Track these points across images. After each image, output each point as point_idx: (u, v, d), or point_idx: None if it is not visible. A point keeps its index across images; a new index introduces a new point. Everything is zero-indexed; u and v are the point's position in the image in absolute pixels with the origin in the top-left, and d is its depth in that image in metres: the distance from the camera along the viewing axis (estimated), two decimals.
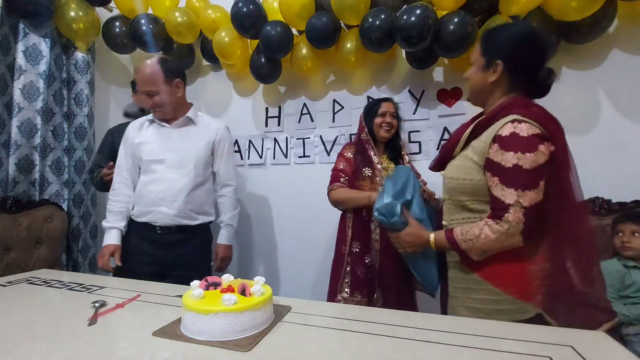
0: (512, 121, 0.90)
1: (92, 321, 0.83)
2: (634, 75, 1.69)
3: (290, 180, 2.34)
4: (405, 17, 1.69)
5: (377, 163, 1.57)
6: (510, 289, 0.93)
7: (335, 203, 1.60)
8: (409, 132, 2.08)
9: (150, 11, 2.28)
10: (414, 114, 2.08)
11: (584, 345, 0.68)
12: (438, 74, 2.05)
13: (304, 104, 2.32)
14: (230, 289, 0.78)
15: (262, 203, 2.43)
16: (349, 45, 1.96)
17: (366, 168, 1.56)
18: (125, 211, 1.51)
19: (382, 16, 1.77)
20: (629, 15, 1.68)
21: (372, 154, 1.59)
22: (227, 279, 0.88)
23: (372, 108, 1.65)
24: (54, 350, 0.70)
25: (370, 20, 1.79)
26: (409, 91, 2.10)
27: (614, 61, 1.73)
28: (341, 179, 1.58)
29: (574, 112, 1.80)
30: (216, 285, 0.83)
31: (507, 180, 0.89)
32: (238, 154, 2.49)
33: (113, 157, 1.79)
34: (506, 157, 0.89)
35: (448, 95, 2.01)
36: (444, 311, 1.09)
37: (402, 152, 1.69)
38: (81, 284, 1.15)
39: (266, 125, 2.43)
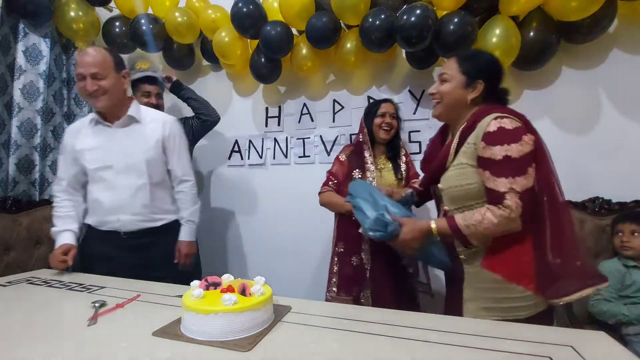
0: (495, 118, 0.99)
1: (92, 321, 0.83)
2: (634, 75, 1.69)
3: (290, 180, 2.35)
4: (405, 17, 1.69)
5: (371, 164, 1.60)
6: (530, 284, 0.98)
7: (322, 205, 1.65)
8: (409, 132, 2.08)
9: (150, 11, 2.28)
10: (414, 114, 2.08)
11: (584, 345, 0.68)
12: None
13: (304, 104, 2.32)
14: (230, 289, 0.78)
15: (262, 203, 2.43)
16: (349, 45, 1.96)
17: (357, 170, 1.59)
18: (75, 215, 1.42)
19: (382, 16, 1.76)
20: (629, 15, 1.68)
21: (367, 154, 1.61)
22: (227, 279, 0.88)
23: (372, 109, 1.66)
24: (54, 350, 0.70)
25: (370, 20, 1.79)
26: (409, 91, 2.10)
27: (614, 61, 1.73)
28: (330, 182, 1.63)
29: (574, 112, 1.80)
30: (216, 285, 0.83)
31: (497, 171, 0.96)
32: (238, 153, 2.49)
33: None
34: (495, 151, 0.96)
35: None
36: (450, 313, 1.09)
37: (402, 153, 1.70)
38: (81, 284, 1.15)
39: (266, 125, 2.43)
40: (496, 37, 1.64)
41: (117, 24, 2.26)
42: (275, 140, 2.40)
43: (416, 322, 0.82)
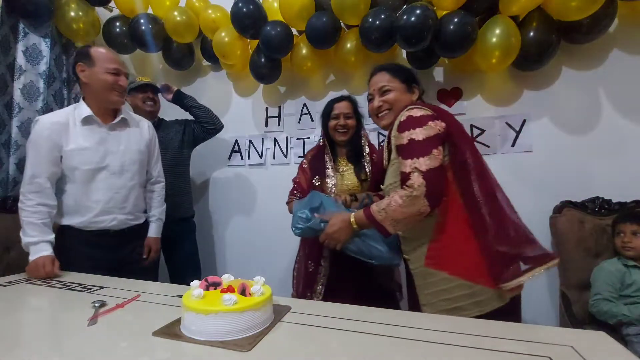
0: (407, 109, 1.09)
1: (92, 321, 0.83)
2: (634, 75, 1.69)
3: (290, 180, 2.34)
4: (405, 17, 1.69)
5: (331, 169, 1.56)
6: (479, 278, 0.97)
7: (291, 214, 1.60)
8: None
9: (150, 11, 2.28)
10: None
11: (584, 345, 0.68)
12: (438, 74, 2.05)
13: (304, 104, 2.32)
14: (230, 289, 0.78)
15: (263, 203, 2.43)
16: (349, 45, 1.96)
17: (316, 177, 1.56)
18: (49, 222, 1.36)
19: (382, 16, 1.76)
20: (629, 15, 1.68)
21: (327, 159, 1.58)
22: (227, 279, 0.88)
23: (326, 110, 1.59)
24: (54, 350, 0.70)
25: (370, 20, 1.79)
26: None
27: (614, 61, 1.73)
28: (295, 191, 1.61)
29: (574, 112, 1.80)
30: (216, 285, 0.83)
31: (405, 154, 1.02)
32: (238, 153, 2.49)
33: None
34: (402, 136, 1.04)
35: (448, 95, 2.01)
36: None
37: (366, 151, 1.61)
38: (81, 284, 1.15)
39: (266, 125, 2.43)
40: (496, 37, 1.64)
41: (117, 23, 2.26)
42: (275, 140, 2.40)
43: (416, 322, 0.82)
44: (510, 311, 0.98)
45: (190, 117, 2.18)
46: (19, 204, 1.36)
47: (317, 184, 1.55)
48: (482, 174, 1.03)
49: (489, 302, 0.97)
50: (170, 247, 2.04)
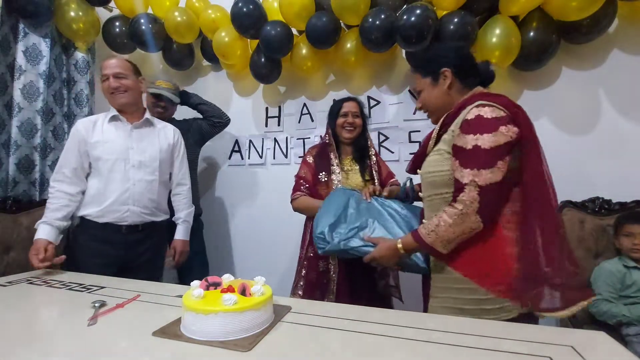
0: (477, 105, 0.94)
1: (92, 321, 0.83)
2: (634, 75, 1.69)
3: (290, 180, 2.32)
4: (405, 17, 1.69)
5: (337, 166, 1.55)
6: (494, 287, 0.91)
7: (296, 211, 1.59)
8: (409, 132, 2.08)
9: (150, 11, 2.28)
10: (414, 114, 2.08)
11: (584, 345, 0.68)
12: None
13: (304, 104, 2.32)
14: (230, 289, 0.78)
15: (263, 203, 2.43)
16: (349, 45, 1.96)
17: (322, 173, 1.55)
18: (65, 208, 1.41)
19: (382, 16, 1.76)
20: (629, 15, 1.68)
21: (332, 156, 1.57)
22: (227, 278, 0.88)
23: (334, 109, 1.61)
24: (54, 350, 0.70)
25: (370, 20, 1.79)
26: (409, 91, 2.10)
27: (614, 61, 1.73)
28: (302, 187, 1.57)
29: (574, 112, 1.80)
30: (216, 285, 0.83)
31: (465, 162, 0.91)
32: (238, 153, 2.49)
33: None
34: (466, 140, 0.92)
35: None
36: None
37: (370, 152, 1.62)
38: (81, 284, 1.15)
39: (266, 125, 2.43)
40: (496, 37, 1.64)
41: (117, 23, 2.26)
42: (275, 140, 2.40)
43: (417, 322, 0.82)
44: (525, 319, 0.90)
45: (196, 115, 2.19)
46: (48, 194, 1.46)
47: (323, 180, 1.54)
48: (546, 188, 0.92)
49: (498, 312, 0.91)
50: None
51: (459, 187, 0.92)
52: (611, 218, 1.66)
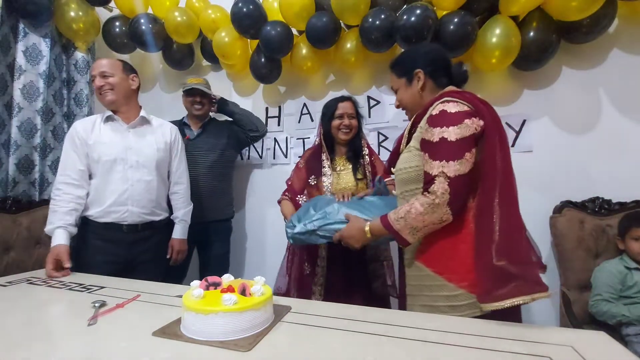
0: (442, 102, 0.98)
1: (92, 321, 0.83)
2: (634, 75, 1.69)
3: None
4: (405, 17, 1.69)
5: (328, 168, 1.56)
6: (462, 282, 0.92)
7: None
8: None
9: (150, 11, 2.28)
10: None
11: (584, 345, 0.68)
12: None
13: (304, 104, 2.32)
14: (230, 289, 0.78)
15: (263, 203, 2.43)
16: (349, 45, 1.96)
17: (312, 177, 1.57)
18: (74, 212, 1.41)
19: (382, 16, 1.76)
20: (629, 15, 1.68)
21: (324, 157, 1.58)
22: (227, 279, 0.88)
23: (328, 110, 1.59)
24: (54, 350, 0.70)
25: (370, 20, 1.79)
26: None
27: (614, 61, 1.73)
28: (286, 192, 1.63)
29: (574, 112, 1.80)
30: (216, 285, 0.83)
31: (434, 154, 0.94)
32: (238, 153, 2.49)
33: None
34: (433, 133, 0.94)
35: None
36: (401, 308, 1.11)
37: (365, 152, 1.63)
38: (81, 284, 1.15)
39: (266, 125, 2.43)
40: (496, 37, 1.64)
41: (117, 23, 2.26)
42: (275, 140, 2.40)
43: (416, 322, 0.82)
44: (505, 315, 0.86)
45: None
46: (51, 196, 1.45)
47: (312, 183, 1.56)
48: (506, 180, 0.92)
49: (467, 308, 0.91)
50: (205, 247, 2.07)
51: (428, 180, 0.94)
52: (611, 218, 1.66)
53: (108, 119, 1.53)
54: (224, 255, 2.15)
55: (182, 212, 1.71)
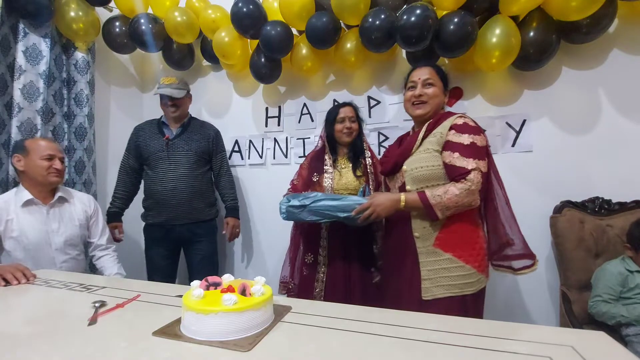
0: (460, 116, 1.25)
1: (92, 321, 0.83)
2: (634, 75, 1.69)
3: (290, 180, 2.34)
4: (405, 17, 1.69)
5: (330, 167, 1.66)
6: (474, 263, 1.20)
7: None
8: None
9: (150, 11, 2.28)
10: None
11: (584, 345, 0.68)
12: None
13: (304, 104, 2.32)
14: (230, 289, 0.78)
15: (263, 203, 2.44)
16: (349, 45, 1.96)
17: (315, 174, 1.68)
18: None
19: (382, 16, 1.76)
20: (629, 15, 1.68)
21: (326, 157, 1.69)
22: (227, 279, 0.88)
23: (331, 115, 1.70)
24: (54, 350, 0.70)
25: (370, 20, 1.79)
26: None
27: (614, 61, 1.73)
28: (289, 191, 1.73)
29: (574, 112, 1.80)
30: (216, 285, 0.83)
31: (467, 153, 1.17)
32: (238, 153, 2.49)
33: (138, 155, 2.01)
34: (463, 138, 1.19)
35: (448, 95, 2.01)
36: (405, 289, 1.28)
37: (366, 154, 1.71)
38: (81, 284, 1.15)
39: (266, 125, 2.43)
40: (496, 37, 1.64)
41: (117, 23, 2.26)
42: (275, 140, 2.40)
43: (417, 322, 0.82)
44: (484, 290, 1.25)
45: (220, 129, 2.22)
46: None
47: (315, 180, 1.66)
48: (499, 183, 1.28)
49: (476, 284, 1.20)
50: (190, 248, 2.07)
51: (464, 172, 1.15)
52: (611, 218, 1.66)
53: (27, 203, 1.50)
54: (211, 256, 2.13)
55: (118, 267, 1.69)
